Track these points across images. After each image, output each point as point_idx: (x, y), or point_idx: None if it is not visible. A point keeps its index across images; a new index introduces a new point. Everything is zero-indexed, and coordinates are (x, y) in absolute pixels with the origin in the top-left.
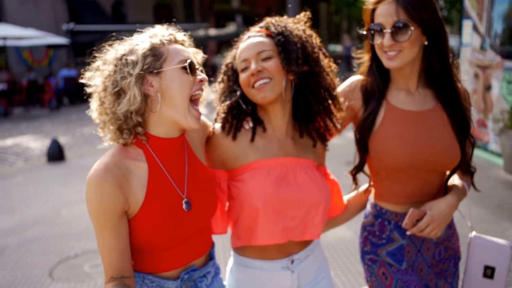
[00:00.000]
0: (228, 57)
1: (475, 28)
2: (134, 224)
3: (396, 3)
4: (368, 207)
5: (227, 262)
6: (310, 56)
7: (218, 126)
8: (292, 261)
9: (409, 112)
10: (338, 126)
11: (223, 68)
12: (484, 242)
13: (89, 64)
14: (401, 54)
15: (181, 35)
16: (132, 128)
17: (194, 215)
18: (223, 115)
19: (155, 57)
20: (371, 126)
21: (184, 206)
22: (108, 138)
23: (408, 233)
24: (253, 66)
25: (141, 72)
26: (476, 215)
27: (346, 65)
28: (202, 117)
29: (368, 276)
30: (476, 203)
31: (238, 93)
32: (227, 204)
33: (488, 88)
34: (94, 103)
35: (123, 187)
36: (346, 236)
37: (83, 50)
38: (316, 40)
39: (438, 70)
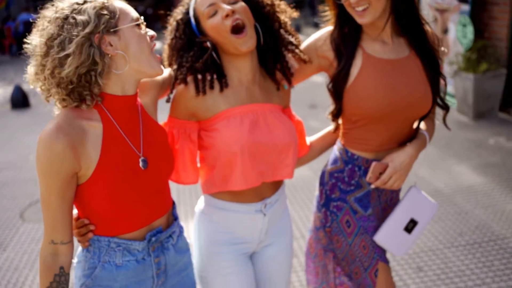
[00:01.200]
0: (178, 14)
1: None
2: (90, 185)
3: None
4: (337, 152)
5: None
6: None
7: (181, 83)
8: (265, 205)
9: (386, 60)
10: (305, 57)
11: (174, 24)
12: (419, 195)
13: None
14: (370, 8)
15: None
16: (92, 90)
17: (152, 173)
18: (188, 72)
19: (110, 15)
20: (346, 75)
21: (141, 164)
22: (58, 104)
23: (372, 186)
24: (226, 6)
25: (98, 32)
26: (426, 153)
27: (310, 10)
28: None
29: (327, 222)
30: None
31: (209, 44)
32: (197, 154)
33: (445, 31)
34: (31, 68)
35: (76, 148)
36: (306, 175)
37: None
38: None
39: (407, 16)
